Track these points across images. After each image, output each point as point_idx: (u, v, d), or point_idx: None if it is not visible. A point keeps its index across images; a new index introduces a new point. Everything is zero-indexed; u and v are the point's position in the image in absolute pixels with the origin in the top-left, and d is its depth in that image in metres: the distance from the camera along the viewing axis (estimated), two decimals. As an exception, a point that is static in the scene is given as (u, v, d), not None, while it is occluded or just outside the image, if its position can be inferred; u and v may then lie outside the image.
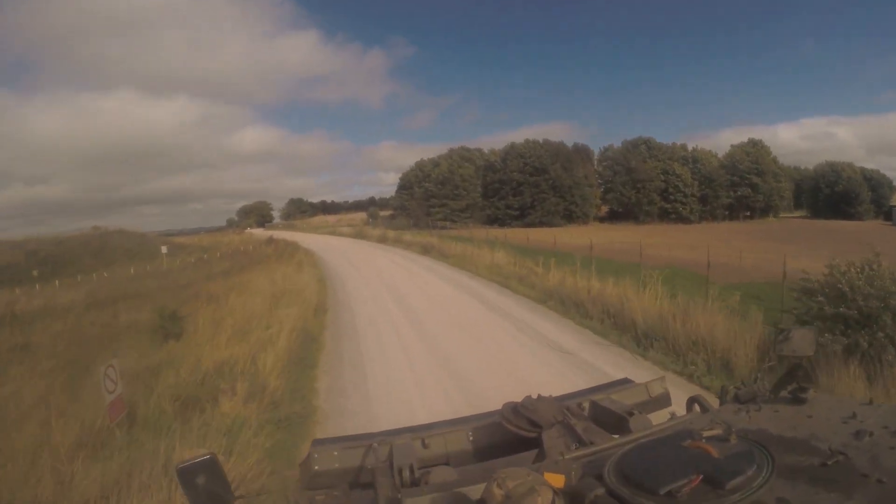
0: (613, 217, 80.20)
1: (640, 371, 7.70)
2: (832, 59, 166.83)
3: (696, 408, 1.63)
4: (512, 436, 1.57)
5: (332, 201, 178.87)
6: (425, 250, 31.49)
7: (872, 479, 0.99)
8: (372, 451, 1.60)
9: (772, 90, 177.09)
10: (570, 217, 73.53)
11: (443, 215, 70.66)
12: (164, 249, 39.40)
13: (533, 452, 1.51)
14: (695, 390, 5.55)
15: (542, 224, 69.39)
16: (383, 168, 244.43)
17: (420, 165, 79.04)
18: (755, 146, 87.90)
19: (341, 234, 57.39)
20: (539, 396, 1.64)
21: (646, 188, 79.27)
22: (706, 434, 1.16)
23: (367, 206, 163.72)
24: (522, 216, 70.55)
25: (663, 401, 1.94)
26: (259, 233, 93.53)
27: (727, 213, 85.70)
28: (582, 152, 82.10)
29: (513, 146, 74.15)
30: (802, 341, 1.57)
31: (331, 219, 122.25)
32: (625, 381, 2.17)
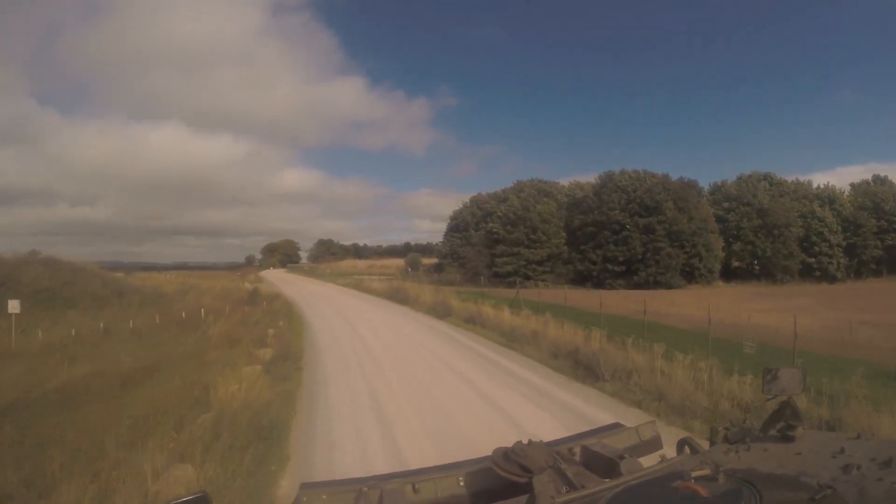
0: (740, 275, 58.15)
1: None
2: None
3: (687, 450, 1.62)
4: (503, 481, 1.53)
5: (366, 245, 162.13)
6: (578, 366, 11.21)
7: None
8: (362, 497, 1.56)
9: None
10: (689, 275, 52.07)
11: (513, 268, 50.30)
12: (14, 307, 20.20)
13: (524, 498, 1.44)
14: None
15: (657, 285, 48.09)
16: (420, 215, 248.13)
17: (478, 201, 59.83)
18: (883, 184, 65.92)
19: (369, 291, 37.43)
20: (530, 442, 1.61)
21: (783, 236, 57.50)
22: (695, 475, 1.17)
23: (403, 252, 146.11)
24: (629, 272, 49.45)
25: (654, 444, 1.90)
26: (274, 276, 75.41)
27: (874, 267, 63.07)
28: (691, 188, 60.69)
29: (609, 176, 53.94)
30: (791, 381, 1.64)
31: (360, 263, 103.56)
32: (616, 426, 2.10)
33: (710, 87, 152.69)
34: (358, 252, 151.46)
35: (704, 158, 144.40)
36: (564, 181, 61.63)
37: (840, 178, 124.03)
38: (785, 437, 1.42)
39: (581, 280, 50.05)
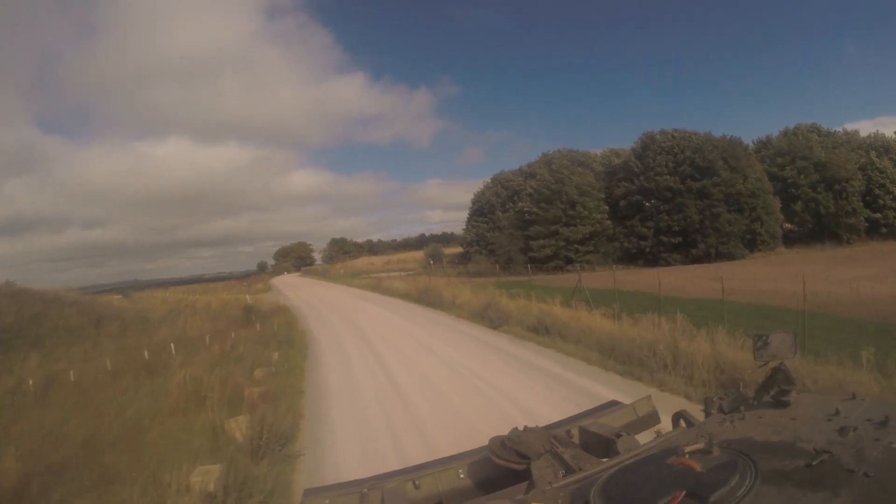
0: (800, 238, 51.12)
1: None
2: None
3: (682, 423, 1.61)
4: (502, 470, 1.52)
5: (380, 240, 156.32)
6: None
7: (859, 474, 0.99)
8: (364, 498, 1.55)
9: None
10: (751, 242, 45.31)
11: (552, 251, 44.03)
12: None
13: (524, 484, 1.43)
14: None
15: (718, 256, 41.53)
16: (430, 206, 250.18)
17: (501, 180, 53.42)
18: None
19: (391, 293, 31.48)
20: (526, 428, 1.60)
21: (845, 191, 50.35)
22: (689, 449, 1.16)
23: (419, 244, 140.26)
24: (685, 245, 42.87)
25: (651, 419, 1.89)
26: (286, 282, 70.18)
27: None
28: (739, 145, 53.27)
29: (650, 138, 47.12)
30: (781, 345, 1.60)
31: (377, 260, 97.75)
32: (613, 404, 2.09)
33: (710, 51, 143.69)
34: (372, 248, 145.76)
35: (725, 119, 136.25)
36: (596, 151, 54.82)
37: (881, 128, 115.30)
38: (779, 403, 1.40)
39: (630, 258, 43.64)
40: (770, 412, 1.39)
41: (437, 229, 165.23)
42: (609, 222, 44.95)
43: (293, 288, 47.25)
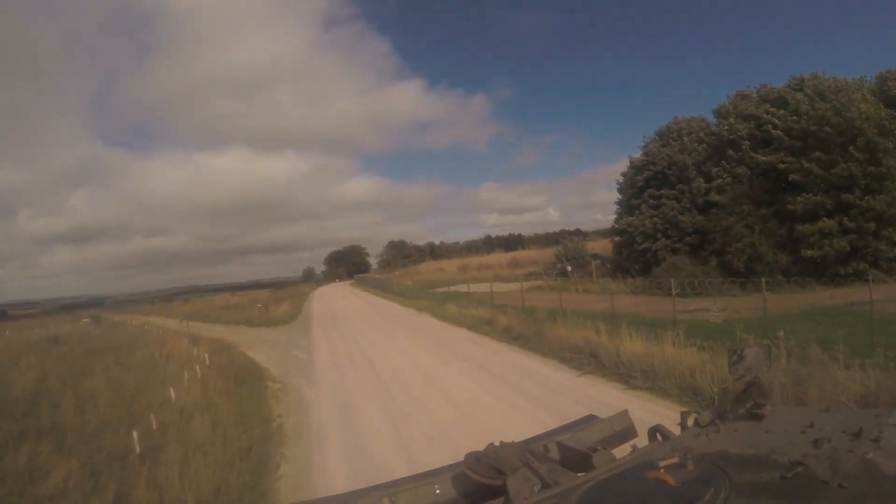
0: None
1: None
2: None
3: (658, 437, 1.60)
4: (478, 485, 1.52)
5: (442, 242, 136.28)
6: None
7: (833, 485, 0.99)
8: None
9: None
10: None
11: (849, 242, 21.68)
12: None
13: (500, 500, 1.43)
14: None
15: None
16: (486, 210, 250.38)
17: (684, 128, 31.81)
18: None
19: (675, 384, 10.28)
20: (501, 443, 1.62)
21: None
22: (664, 463, 1.17)
23: (486, 247, 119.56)
24: None
25: (628, 434, 1.84)
26: (329, 297, 51.08)
27: None
28: None
29: None
30: (756, 360, 1.61)
31: (448, 265, 76.89)
32: (590, 418, 2.05)
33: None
34: (434, 252, 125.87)
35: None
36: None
37: None
38: (754, 416, 1.42)
39: None
40: (745, 425, 1.41)
41: (496, 232, 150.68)
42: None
43: (331, 316, 27.99)
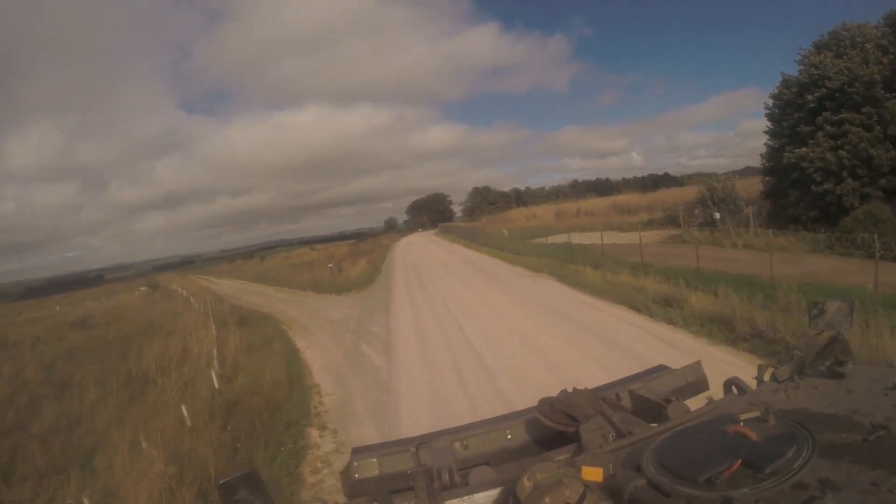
0: None
1: None
2: None
3: (734, 390, 1.56)
4: (550, 432, 1.53)
5: (528, 188, 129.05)
6: None
7: None
8: (411, 456, 1.57)
9: None
10: None
11: None
12: None
13: (572, 447, 1.44)
14: None
15: None
16: (568, 154, 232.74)
17: (856, 31, 23.44)
18: None
19: None
20: (575, 390, 1.60)
21: None
22: (744, 417, 1.14)
23: (572, 192, 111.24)
24: None
25: (701, 385, 1.84)
26: (413, 247, 47.94)
27: None
28: None
29: None
30: (838, 314, 1.55)
31: (540, 212, 70.61)
32: (660, 368, 2.00)
33: None
34: (520, 198, 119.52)
35: None
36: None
37: None
38: (835, 374, 1.37)
39: None
40: (825, 384, 1.35)
41: (581, 176, 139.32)
42: None
43: (421, 288, 21.63)
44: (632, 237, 24.93)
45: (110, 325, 25.97)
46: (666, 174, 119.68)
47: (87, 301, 52.31)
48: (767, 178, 27.75)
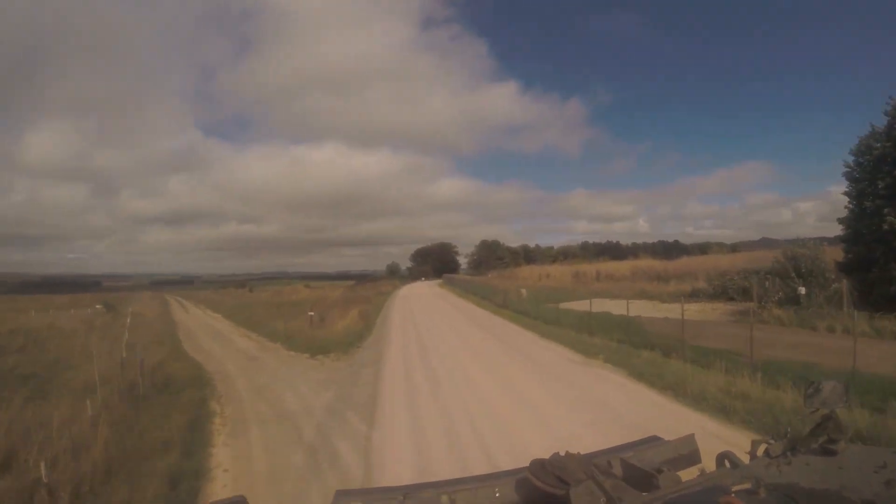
0: None
1: None
2: None
3: (727, 464, 1.57)
4: (540, 493, 1.48)
5: (537, 245, 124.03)
6: None
7: None
8: None
9: None
10: None
11: None
12: None
13: None
14: None
15: None
16: (575, 216, 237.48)
17: None
18: None
19: None
20: (567, 453, 1.56)
21: None
22: (736, 489, 1.15)
23: (581, 253, 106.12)
24: None
25: (693, 458, 1.78)
26: (413, 300, 42.00)
27: None
28: None
29: None
30: (833, 394, 1.56)
31: (554, 270, 64.16)
32: (653, 439, 1.98)
33: None
34: (528, 255, 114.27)
35: None
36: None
37: None
38: (827, 451, 1.39)
39: None
40: (817, 460, 1.37)
41: (589, 239, 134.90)
42: None
43: (430, 379, 16.27)
44: (675, 309, 19.06)
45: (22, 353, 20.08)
46: (676, 242, 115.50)
47: (32, 311, 45.82)
48: (850, 248, 22.37)
